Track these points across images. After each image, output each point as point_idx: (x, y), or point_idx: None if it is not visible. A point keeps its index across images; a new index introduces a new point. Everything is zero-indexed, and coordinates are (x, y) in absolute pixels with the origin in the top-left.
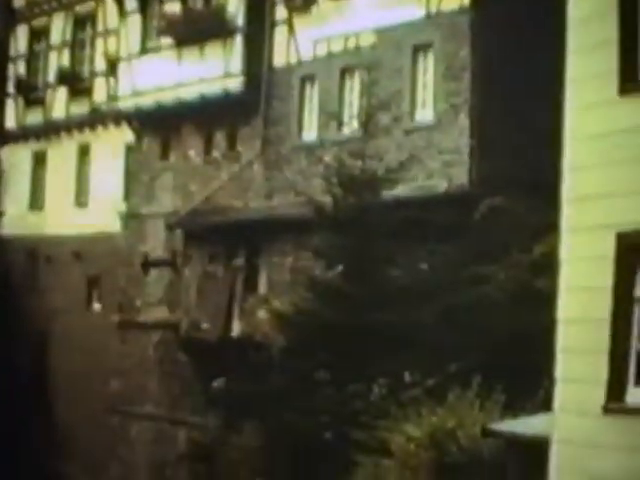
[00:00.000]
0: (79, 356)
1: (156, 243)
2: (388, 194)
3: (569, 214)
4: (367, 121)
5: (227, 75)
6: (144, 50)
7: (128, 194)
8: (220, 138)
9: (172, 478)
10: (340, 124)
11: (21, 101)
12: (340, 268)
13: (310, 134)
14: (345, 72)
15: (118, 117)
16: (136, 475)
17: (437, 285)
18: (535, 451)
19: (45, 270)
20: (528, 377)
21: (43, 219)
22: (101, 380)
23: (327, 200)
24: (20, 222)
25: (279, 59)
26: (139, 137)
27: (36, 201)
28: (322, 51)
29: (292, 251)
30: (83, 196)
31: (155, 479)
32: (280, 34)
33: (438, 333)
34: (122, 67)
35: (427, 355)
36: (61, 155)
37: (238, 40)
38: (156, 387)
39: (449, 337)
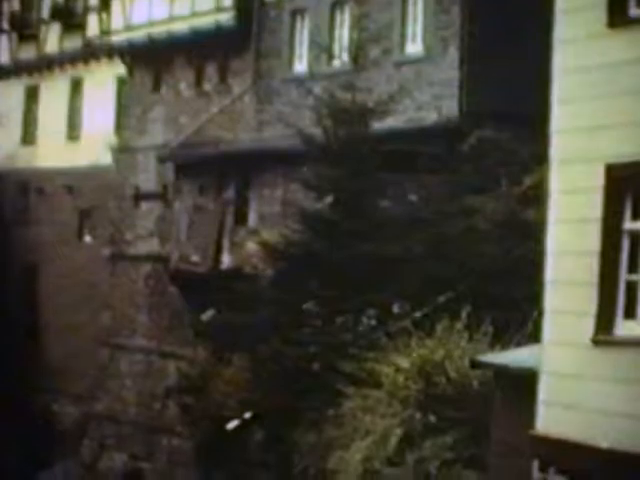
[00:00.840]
0: (69, 289)
1: (147, 176)
2: (378, 126)
3: (558, 146)
4: (357, 54)
5: (218, 9)
6: None
7: (120, 127)
8: (211, 71)
9: (161, 411)
10: (330, 57)
11: (15, 37)
12: (330, 200)
13: (301, 67)
14: (335, 5)
15: (110, 51)
16: (125, 408)
17: (426, 216)
18: (523, 383)
19: (37, 204)
20: (517, 309)
21: (35, 153)
22: (91, 312)
23: (317, 132)
24: (12, 157)
25: None
26: (131, 71)
27: (28, 135)
28: None
29: (282, 183)
30: (75, 130)
31: (144, 412)
32: None
33: (427, 264)
34: (115, 2)
35: (416, 286)
36: (54, 90)
37: None
38: (146, 319)
39: (438, 268)
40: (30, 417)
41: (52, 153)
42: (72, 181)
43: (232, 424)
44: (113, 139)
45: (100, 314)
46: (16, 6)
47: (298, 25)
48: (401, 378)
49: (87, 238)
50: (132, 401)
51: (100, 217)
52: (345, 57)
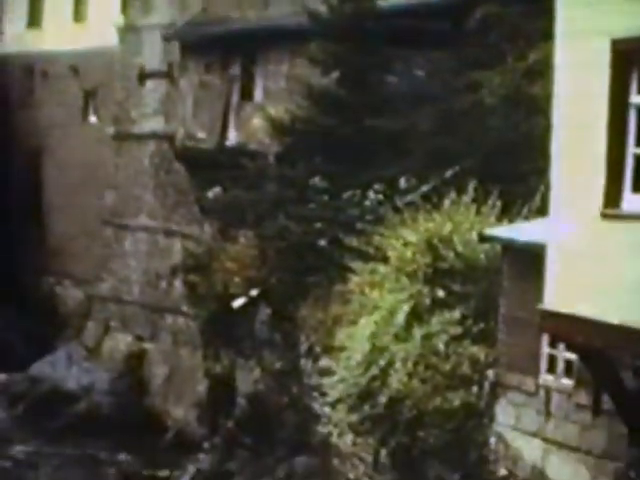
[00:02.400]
0: (74, 169)
1: (153, 55)
2: (383, 2)
3: (564, 20)
4: None
5: None
6: None
7: (126, 7)
8: None
9: (166, 290)
10: None
11: None
12: (336, 75)
13: None
14: None
15: None
16: (130, 288)
17: (433, 91)
18: (531, 257)
19: (42, 85)
20: (524, 183)
21: (41, 36)
22: (95, 193)
23: (323, 9)
24: (18, 40)
25: None
26: None
27: (35, 19)
28: None
29: (288, 59)
30: (81, 11)
31: (149, 292)
32: None
33: (434, 138)
34: None
35: (423, 160)
36: None
37: None
38: (151, 198)
39: (445, 142)
40: (33, 300)
41: (58, 35)
42: (77, 62)
43: (238, 302)
44: (119, 19)
45: (104, 194)
46: None
47: None
48: (409, 252)
49: (92, 118)
50: (137, 281)
51: (105, 97)
52: None
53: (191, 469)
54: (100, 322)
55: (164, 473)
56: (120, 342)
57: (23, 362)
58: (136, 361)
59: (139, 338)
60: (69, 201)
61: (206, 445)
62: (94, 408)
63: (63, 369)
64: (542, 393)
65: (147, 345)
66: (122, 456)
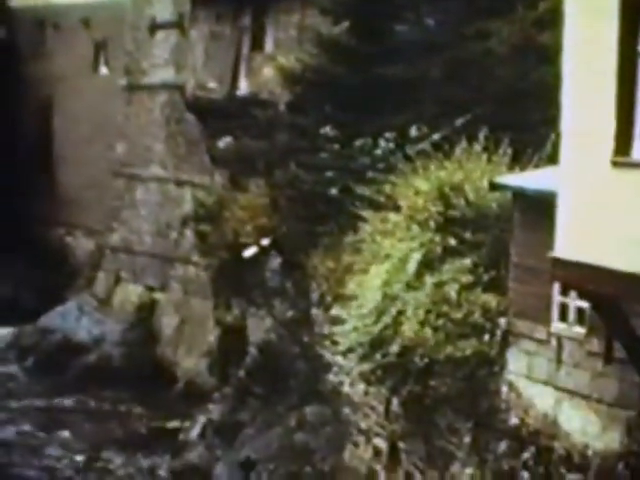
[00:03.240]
0: (84, 121)
1: (163, 6)
2: None
3: None
4: None
5: None
6: None
7: None
8: None
9: (177, 240)
10: None
11: None
12: (346, 24)
13: None
14: None
15: None
16: (140, 238)
17: (443, 40)
18: (542, 205)
19: (53, 38)
20: (534, 131)
21: None
22: (106, 144)
23: None
24: None
25: None
26: None
27: None
28: None
29: (299, 8)
30: None
31: (160, 242)
32: None
33: (444, 87)
34: None
35: (433, 109)
36: None
37: None
38: (161, 149)
39: (455, 90)
40: (43, 251)
41: None
42: (88, 14)
43: (249, 251)
44: None
45: (115, 145)
46: None
47: None
48: (420, 201)
49: (102, 70)
50: (148, 231)
51: (116, 49)
52: None
53: (201, 419)
54: (111, 273)
55: (174, 424)
56: (131, 293)
57: (33, 314)
58: (147, 311)
59: (150, 288)
60: (79, 152)
61: (217, 395)
62: (104, 359)
63: (73, 320)
64: (554, 341)
65: (158, 295)
66: (132, 407)
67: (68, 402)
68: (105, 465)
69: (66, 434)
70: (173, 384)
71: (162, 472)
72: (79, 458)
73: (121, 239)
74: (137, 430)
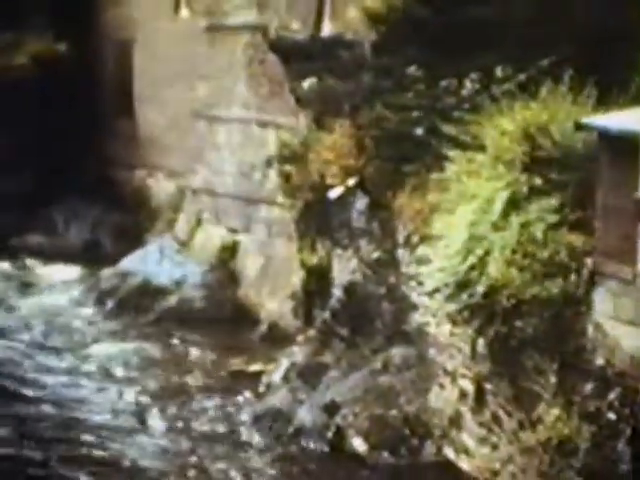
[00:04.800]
0: (165, 63)
1: None
2: None
3: None
4: None
5: None
6: None
7: None
8: None
9: (261, 181)
10: None
11: None
12: None
13: None
14: None
15: None
16: (223, 180)
17: None
18: (627, 145)
19: None
20: (620, 72)
21: None
22: (187, 86)
23: None
24: None
25: None
26: None
27: None
28: None
29: None
30: None
31: (243, 183)
32: None
33: (529, 27)
34: None
35: (518, 49)
36: None
37: None
38: (244, 90)
39: (540, 31)
40: (124, 194)
41: None
42: None
43: (334, 192)
44: None
45: (197, 87)
46: None
47: None
48: (506, 141)
49: (184, 12)
50: (230, 173)
51: None
52: None
53: (285, 363)
54: (192, 215)
55: (257, 367)
56: (213, 235)
57: (112, 257)
58: (229, 253)
59: (232, 230)
60: (160, 94)
61: (300, 338)
62: (185, 302)
63: (154, 263)
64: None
65: (240, 237)
66: (213, 350)
67: (147, 346)
68: (186, 409)
69: (145, 378)
70: (256, 327)
71: (244, 416)
72: (156, 399)
73: (203, 181)
74: (218, 374)
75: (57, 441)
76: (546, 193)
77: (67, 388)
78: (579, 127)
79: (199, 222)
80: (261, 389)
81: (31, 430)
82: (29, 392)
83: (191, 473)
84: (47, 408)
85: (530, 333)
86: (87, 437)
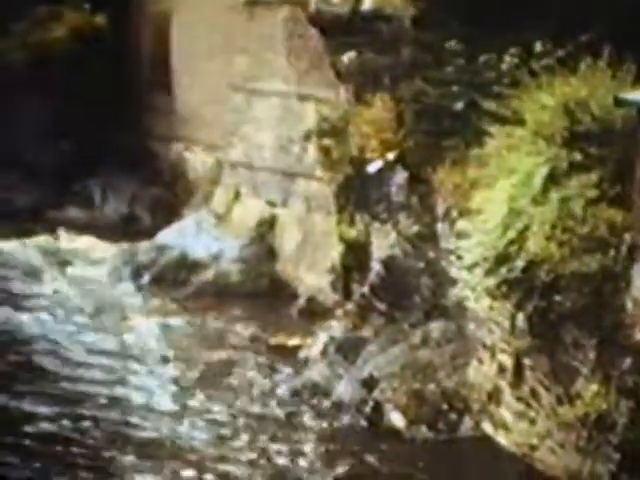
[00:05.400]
0: (203, 36)
1: None
2: None
3: None
4: None
5: None
6: None
7: None
8: None
9: (299, 155)
10: None
11: None
12: None
13: None
14: None
15: None
16: (261, 153)
17: None
18: None
19: None
20: None
21: None
22: (226, 59)
23: None
24: None
25: None
26: None
27: None
28: None
29: None
30: None
31: (282, 157)
32: None
33: (569, 3)
34: None
35: (558, 24)
36: None
37: None
38: (283, 63)
39: (579, 7)
40: (162, 167)
41: None
42: None
43: (374, 166)
44: None
45: (236, 60)
46: None
47: None
48: (545, 116)
49: None
50: (269, 146)
51: None
52: None
53: (323, 337)
54: (230, 188)
55: (295, 341)
56: (251, 208)
57: (149, 231)
58: (267, 227)
59: (270, 204)
60: (198, 67)
61: (339, 312)
62: (223, 276)
63: (191, 237)
64: None
65: (279, 211)
66: (250, 324)
67: (183, 320)
68: (224, 385)
69: (181, 354)
70: (294, 301)
71: (282, 390)
72: (194, 374)
73: (241, 154)
74: (256, 348)
75: (95, 420)
76: (585, 168)
77: (104, 364)
78: (618, 102)
79: (237, 196)
80: (299, 364)
81: (70, 408)
82: (65, 370)
83: (228, 449)
84: (84, 386)
85: (569, 308)
86: (126, 417)
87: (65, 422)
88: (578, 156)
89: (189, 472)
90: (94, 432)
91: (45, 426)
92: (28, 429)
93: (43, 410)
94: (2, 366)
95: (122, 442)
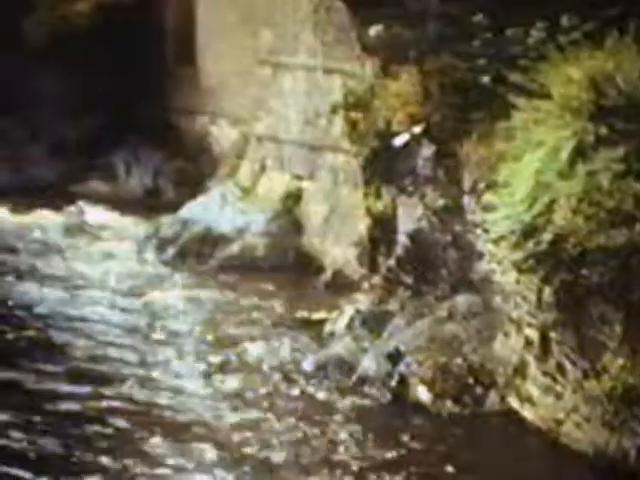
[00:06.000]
0: (229, 9)
1: None
2: None
3: None
4: None
5: None
6: None
7: None
8: None
9: (326, 128)
10: None
11: None
12: None
13: None
14: None
15: None
16: (287, 127)
17: None
18: None
19: None
20: None
21: None
22: (251, 32)
23: None
24: None
25: None
26: None
27: None
28: None
29: None
30: None
31: (308, 130)
32: None
33: None
34: None
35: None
36: None
37: None
38: (310, 37)
39: None
40: (187, 141)
41: None
42: None
43: (400, 139)
44: None
45: (261, 33)
46: None
47: None
48: (572, 89)
49: None
50: (295, 120)
51: None
52: None
53: (349, 310)
54: (256, 162)
55: (320, 315)
56: (276, 181)
57: (174, 205)
58: (293, 201)
59: (297, 177)
60: (224, 41)
61: (365, 285)
62: (248, 249)
63: (216, 210)
64: None
65: (305, 184)
66: (276, 298)
67: (208, 294)
68: (250, 358)
69: (207, 328)
70: (320, 274)
71: (307, 365)
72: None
73: (267, 127)
74: (282, 322)
75: (122, 400)
76: (612, 142)
77: (124, 340)
78: None
79: (263, 169)
80: (325, 337)
81: (93, 387)
82: (85, 345)
83: (253, 422)
84: (109, 367)
85: (596, 282)
86: (153, 397)
87: (89, 402)
88: (604, 130)
89: (213, 453)
90: (119, 413)
91: (68, 405)
92: (50, 407)
93: (65, 389)
94: (22, 343)
95: (148, 424)
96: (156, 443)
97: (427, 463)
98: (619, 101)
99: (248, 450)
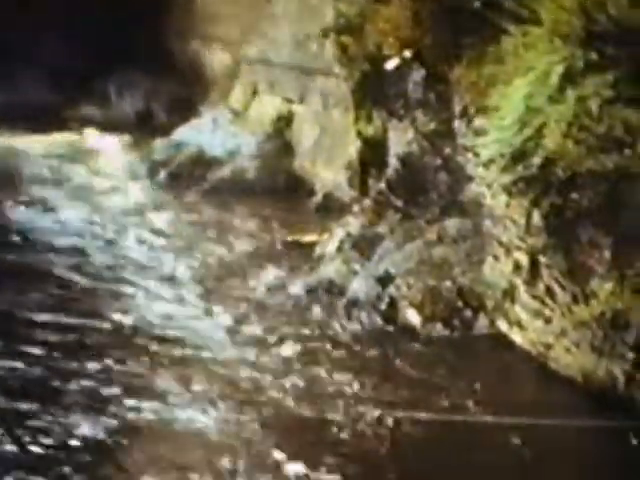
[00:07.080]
0: None
1: None
2: None
3: None
4: None
5: None
6: None
7: None
8: None
9: (317, 52)
10: None
11: None
12: None
13: None
14: None
15: None
16: (279, 50)
17: None
18: None
19: None
20: None
21: None
22: None
23: None
24: None
25: None
26: None
27: None
28: None
29: None
30: None
31: (299, 54)
32: None
33: None
34: None
35: None
36: None
37: None
38: None
39: None
40: (179, 65)
41: None
42: None
43: (391, 63)
44: None
45: None
46: None
47: None
48: (563, 15)
49: None
50: (286, 43)
51: None
52: None
53: (339, 233)
54: (247, 85)
55: (311, 238)
56: (268, 105)
57: (166, 128)
58: (284, 124)
59: (288, 100)
60: None
61: (355, 208)
62: (239, 172)
63: (208, 133)
64: None
65: (296, 107)
66: (267, 220)
67: (199, 216)
68: (239, 281)
69: (198, 249)
70: (310, 197)
71: (295, 288)
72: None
73: (258, 51)
74: (272, 244)
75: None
76: (602, 67)
77: (116, 262)
78: (634, 2)
79: (254, 93)
80: (315, 260)
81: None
82: (79, 274)
83: (242, 346)
84: (109, 299)
85: (585, 206)
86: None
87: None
88: (594, 56)
89: (200, 378)
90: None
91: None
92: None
93: (62, 320)
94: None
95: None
96: (145, 366)
97: (413, 386)
98: (609, 27)
99: (238, 373)
